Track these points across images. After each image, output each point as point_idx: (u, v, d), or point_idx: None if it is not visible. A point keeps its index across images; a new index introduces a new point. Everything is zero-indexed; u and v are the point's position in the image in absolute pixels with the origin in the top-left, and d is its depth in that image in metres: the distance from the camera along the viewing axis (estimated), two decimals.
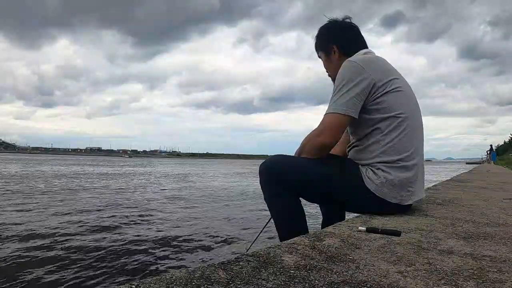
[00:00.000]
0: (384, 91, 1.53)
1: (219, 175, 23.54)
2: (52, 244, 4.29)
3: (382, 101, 1.53)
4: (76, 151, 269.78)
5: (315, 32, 1.86)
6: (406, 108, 1.56)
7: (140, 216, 6.54)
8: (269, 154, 1.83)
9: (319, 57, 1.88)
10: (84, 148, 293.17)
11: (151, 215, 6.67)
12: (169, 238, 4.80)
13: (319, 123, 1.57)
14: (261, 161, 1.72)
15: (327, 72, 1.87)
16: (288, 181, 1.60)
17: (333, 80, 1.73)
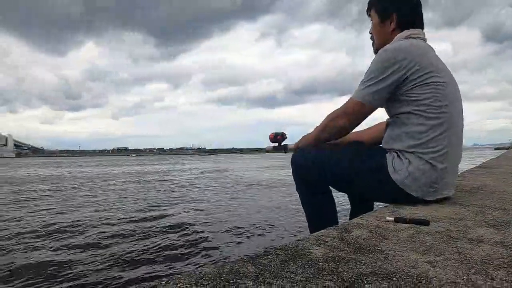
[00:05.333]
0: (419, 83, 1.45)
1: (251, 169, 23.53)
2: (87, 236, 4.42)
3: (416, 93, 1.46)
4: (103, 152, 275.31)
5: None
6: (445, 103, 1.46)
7: (169, 213, 6.63)
8: None
9: (369, 15, 1.71)
10: (111, 148, 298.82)
11: (183, 210, 6.74)
12: (201, 232, 4.81)
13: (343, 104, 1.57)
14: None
15: (371, 36, 1.73)
16: (316, 174, 1.62)
17: (375, 49, 1.67)
